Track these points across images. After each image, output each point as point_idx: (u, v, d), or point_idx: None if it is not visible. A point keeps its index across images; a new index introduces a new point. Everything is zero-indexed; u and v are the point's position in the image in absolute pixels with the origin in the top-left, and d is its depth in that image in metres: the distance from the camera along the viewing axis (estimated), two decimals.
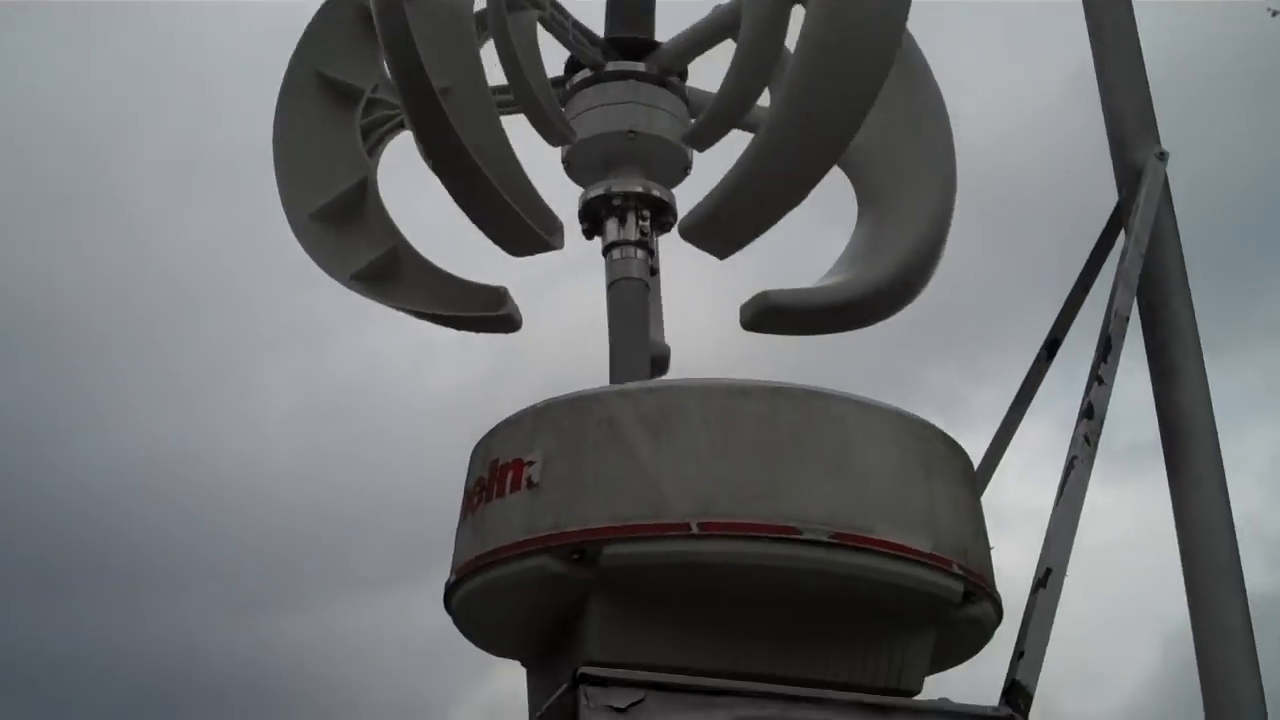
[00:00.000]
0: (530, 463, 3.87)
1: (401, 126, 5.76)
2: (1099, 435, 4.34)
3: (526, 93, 5.41)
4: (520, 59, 5.39)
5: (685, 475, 3.69)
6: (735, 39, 5.40)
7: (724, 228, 5.01)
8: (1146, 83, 5.37)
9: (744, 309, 5.38)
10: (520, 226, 5.22)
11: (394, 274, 5.57)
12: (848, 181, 5.77)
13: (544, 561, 3.72)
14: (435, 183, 5.22)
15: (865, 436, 3.83)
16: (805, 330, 5.59)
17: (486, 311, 5.41)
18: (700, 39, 5.69)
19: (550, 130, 5.55)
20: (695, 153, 5.59)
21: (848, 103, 4.71)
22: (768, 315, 5.31)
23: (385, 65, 5.59)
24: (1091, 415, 4.36)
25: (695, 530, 3.60)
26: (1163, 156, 5.15)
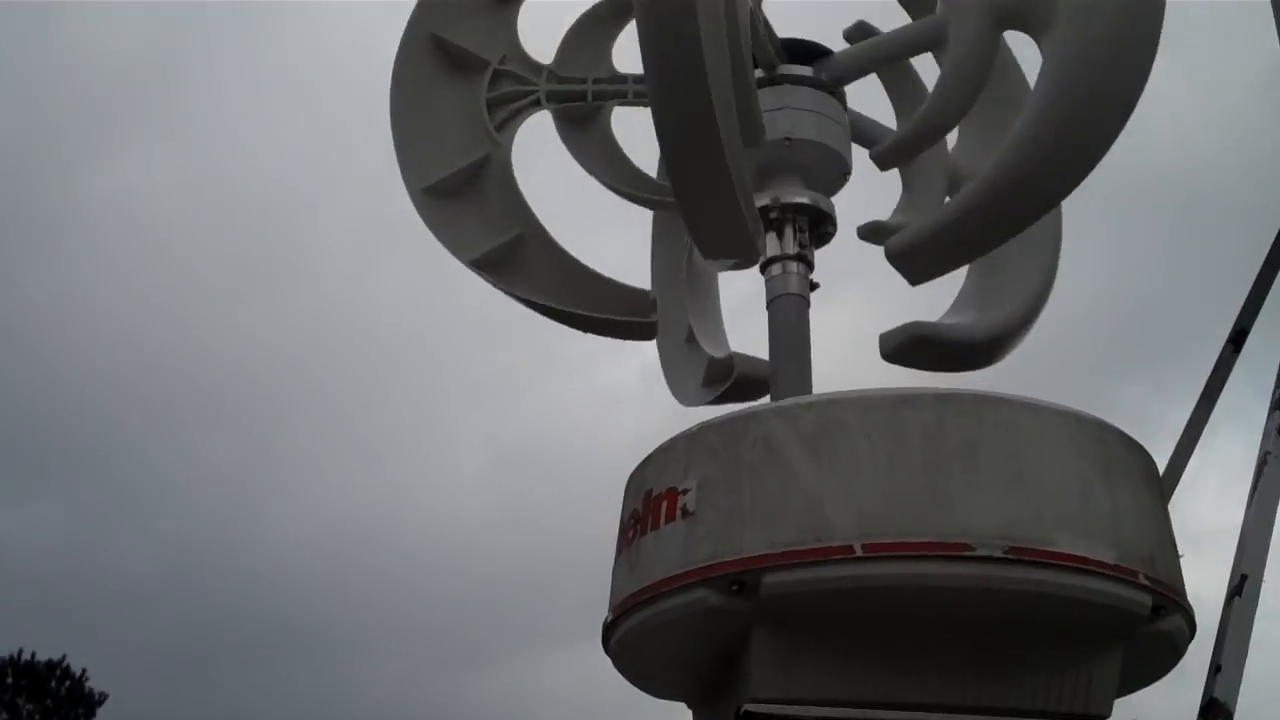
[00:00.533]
0: (685, 491, 3.70)
1: (538, 105, 5.61)
2: None
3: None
4: (601, 164, 5.53)
5: (848, 494, 3.49)
6: (931, 57, 5.33)
7: (934, 257, 4.85)
8: None
9: (886, 339, 5.31)
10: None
11: (521, 262, 5.46)
12: None
13: (703, 595, 3.54)
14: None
15: (1040, 442, 3.58)
16: (937, 366, 5.46)
17: (632, 316, 5.27)
18: (881, 54, 5.56)
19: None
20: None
21: (1080, 153, 4.48)
22: (913, 346, 5.31)
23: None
24: None
25: (859, 552, 3.40)
26: None
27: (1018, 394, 3.66)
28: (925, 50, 5.33)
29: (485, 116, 5.51)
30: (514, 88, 5.62)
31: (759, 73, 5.31)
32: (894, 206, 5.76)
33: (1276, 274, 4.83)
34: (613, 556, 4.01)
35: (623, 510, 4.00)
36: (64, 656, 31.21)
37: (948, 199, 5.67)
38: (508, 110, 5.59)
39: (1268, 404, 4.19)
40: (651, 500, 3.81)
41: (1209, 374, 4.91)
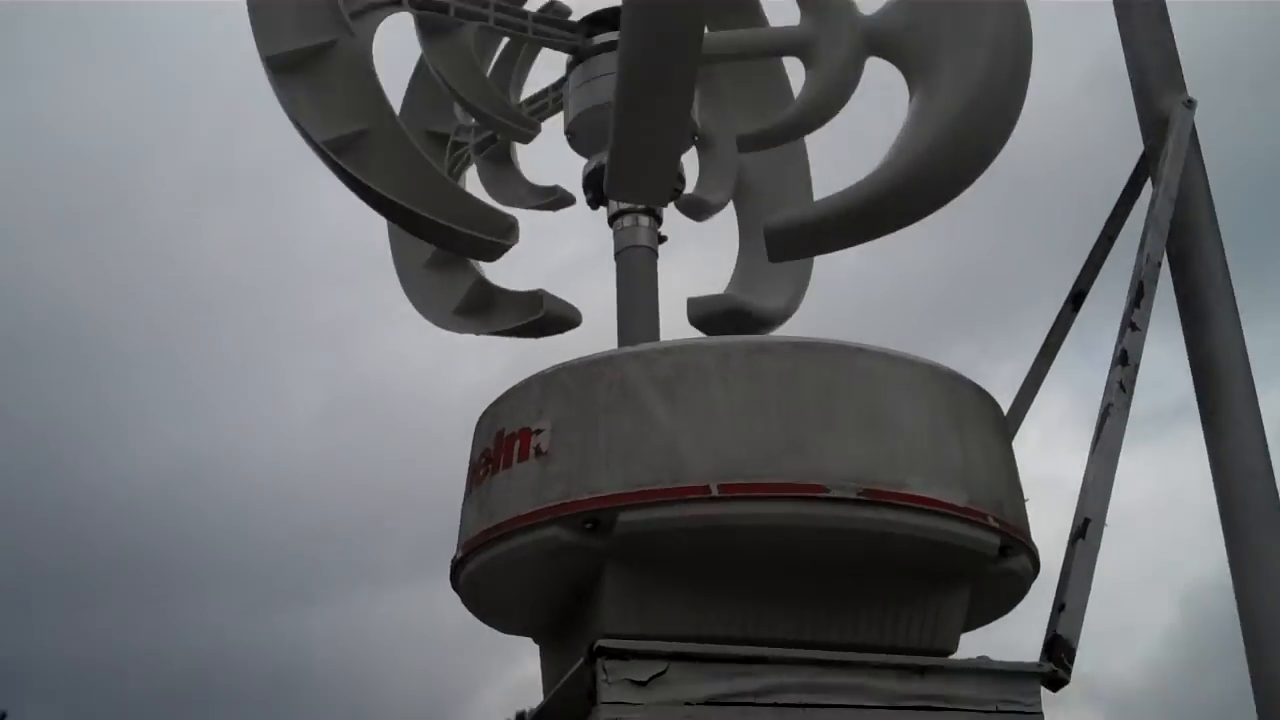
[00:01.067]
0: (539, 430, 3.68)
1: (398, 4, 5.49)
2: (1134, 381, 4.17)
3: (474, 109, 5.53)
4: (457, 79, 5.45)
5: (704, 436, 3.49)
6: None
7: (804, 244, 5.15)
8: (1171, 30, 5.22)
9: (697, 305, 5.73)
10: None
11: (371, 155, 5.23)
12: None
13: (555, 532, 3.53)
14: None
15: (895, 390, 3.63)
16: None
17: (482, 232, 5.23)
18: (744, 48, 5.72)
19: (511, 133, 5.72)
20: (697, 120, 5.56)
21: (958, 176, 4.96)
22: (725, 316, 5.69)
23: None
24: (1126, 361, 4.19)
25: (715, 492, 3.41)
26: (1190, 104, 4.99)
27: (874, 344, 3.70)
28: (789, 55, 5.51)
29: (338, 1, 5.34)
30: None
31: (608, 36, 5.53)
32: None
33: (1114, 240, 4.99)
34: (460, 497, 3.99)
35: (473, 449, 3.97)
36: None
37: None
38: (366, 1, 5.44)
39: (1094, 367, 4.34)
40: (504, 439, 3.78)
41: (1048, 331, 5.05)
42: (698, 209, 5.84)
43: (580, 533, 3.50)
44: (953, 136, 4.86)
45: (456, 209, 5.19)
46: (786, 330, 5.96)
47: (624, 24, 4.40)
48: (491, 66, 6.16)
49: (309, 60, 5.24)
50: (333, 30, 5.28)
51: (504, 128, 5.63)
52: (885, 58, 5.12)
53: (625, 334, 5.13)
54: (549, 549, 3.56)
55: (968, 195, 5.02)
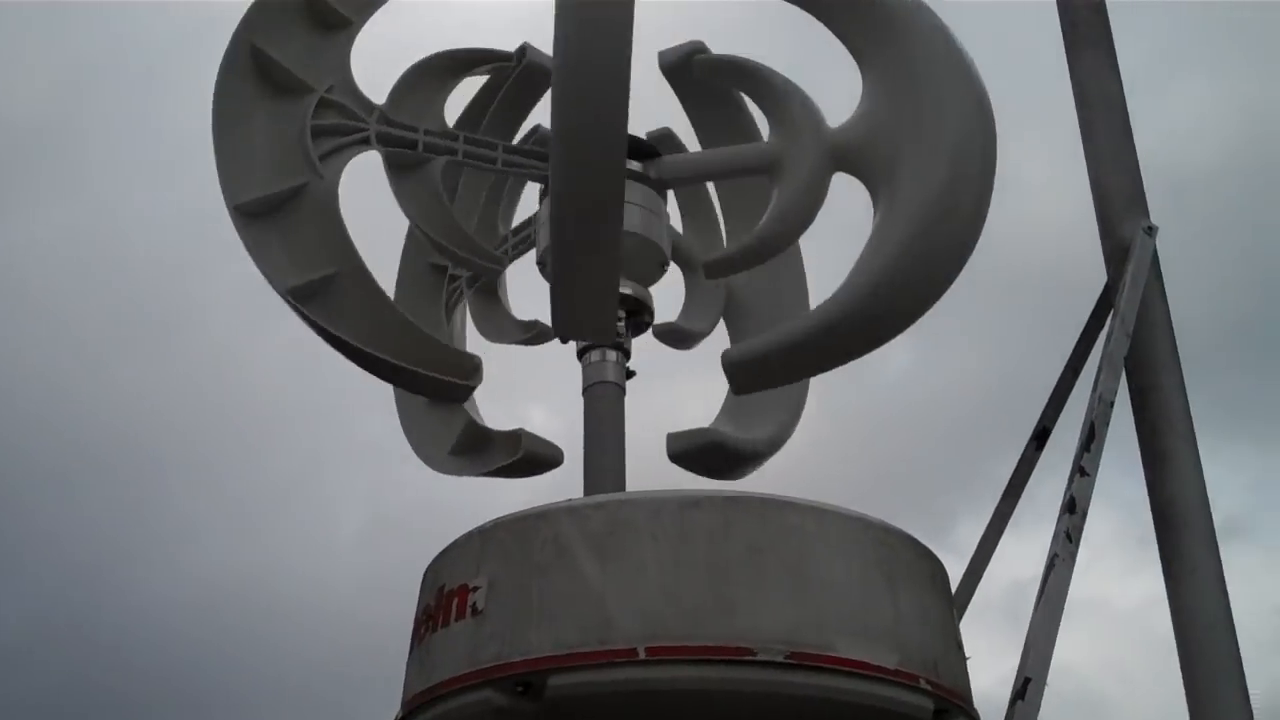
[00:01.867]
0: (475, 588, 3.68)
1: (367, 144, 5.43)
2: (1081, 531, 4.11)
3: (440, 246, 5.45)
4: (423, 216, 5.41)
5: (633, 596, 3.47)
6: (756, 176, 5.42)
7: (764, 375, 5.04)
8: (1135, 155, 5.20)
9: (676, 440, 5.58)
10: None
11: (336, 299, 5.22)
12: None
13: (488, 695, 3.51)
14: None
15: (824, 546, 3.60)
16: (712, 473, 5.54)
17: (447, 375, 5.23)
18: (713, 168, 5.70)
19: (478, 268, 5.68)
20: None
21: (920, 294, 4.82)
22: (703, 451, 5.52)
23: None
24: (1074, 509, 4.14)
25: (642, 655, 3.38)
26: (1151, 231, 4.94)
27: (804, 497, 3.68)
28: (757, 173, 5.38)
29: (308, 144, 5.29)
30: (343, 120, 5.44)
31: None
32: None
33: (1079, 374, 4.93)
34: None
35: (417, 604, 3.96)
36: None
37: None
38: (334, 143, 5.39)
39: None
40: (444, 596, 3.78)
41: (1012, 470, 5.00)
42: (680, 338, 5.81)
43: (513, 695, 3.49)
44: (910, 256, 4.71)
45: (420, 352, 5.18)
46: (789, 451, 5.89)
47: (551, 188, 4.46)
48: (484, 195, 6.18)
49: (279, 205, 5.23)
50: (303, 173, 5.25)
51: (470, 264, 5.62)
52: (850, 172, 5.02)
53: (590, 472, 5.09)
54: (483, 711, 3.54)
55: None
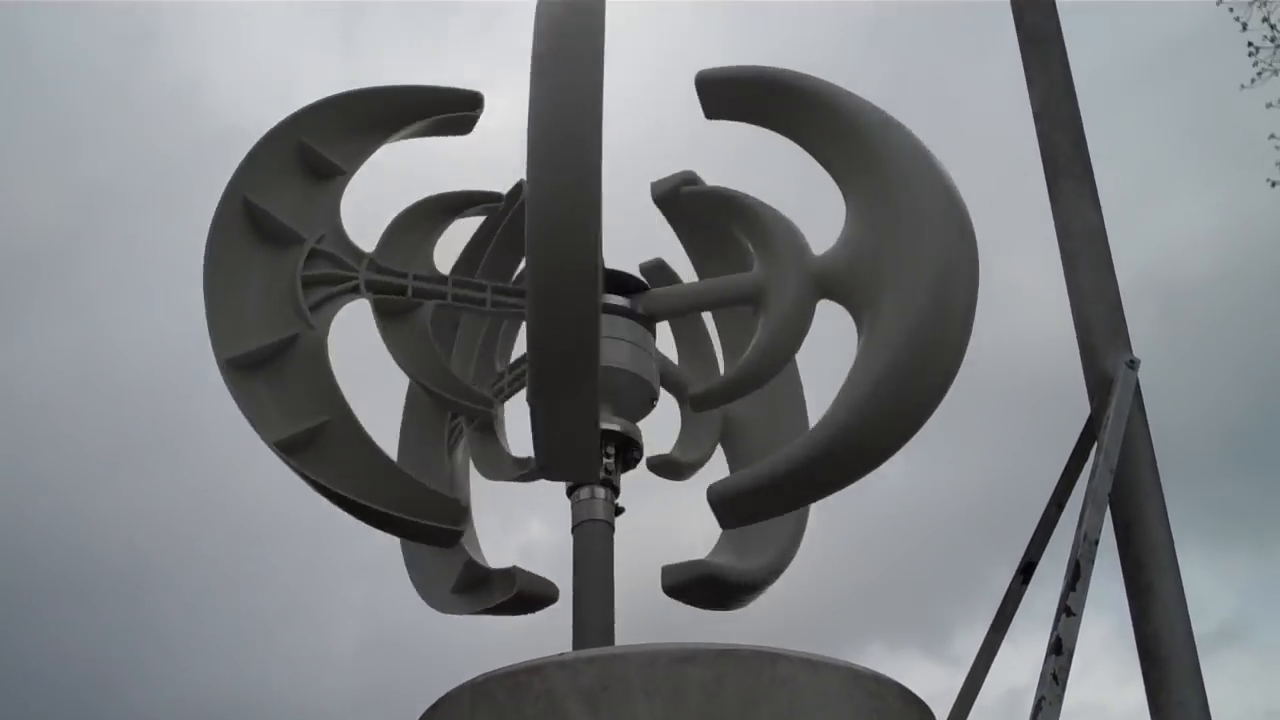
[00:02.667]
0: None
1: (357, 292, 5.53)
2: (1068, 672, 4.13)
3: (429, 390, 5.56)
4: (411, 361, 5.51)
5: None
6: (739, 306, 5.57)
7: (751, 509, 5.05)
8: (1117, 287, 5.24)
9: (671, 573, 5.58)
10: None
11: (325, 449, 5.26)
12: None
13: None
14: None
15: (816, 698, 3.63)
16: (708, 604, 5.59)
17: (436, 521, 5.26)
18: (699, 300, 5.76)
19: (468, 411, 5.75)
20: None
21: (908, 418, 4.87)
22: (698, 584, 5.55)
23: None
24: (1060, 650, 4.15)
25: None
26: (1134, 364, 4.98)
27: (796, 649, 3.71)
28: (742, 304, 5.49)
29: (299, 295, 5.36)
30: (333, 270, 5.51)
31: None
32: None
33: (1063, 508, 4.96)
34: None
35: None
36: None
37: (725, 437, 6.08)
38: (324, 292, 5.47)
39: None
40: None
41: (999, 604, 5.02)
42: (673, 470, 5.84)
43: None
44: (892, 384, 4.76)
45: (408, 498, 5.22)
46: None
47: (527, 332, 4.52)
48: (482, 334, 6.24)
49: (270, 358, 5.29)
50: (294, 325, 5.33)
51: (460, 408, 5.68)
52: (834, 299, 5.09)
53: (579, 610, 5.13)
54: None
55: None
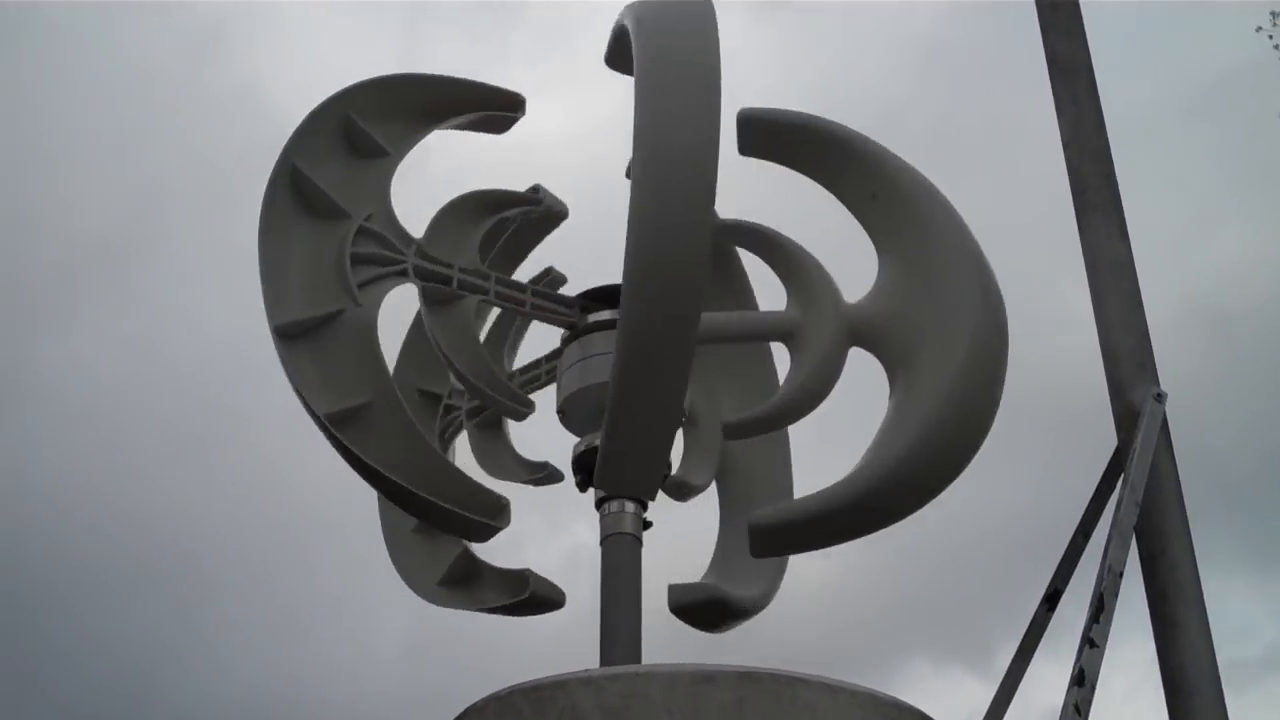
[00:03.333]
0: None
1: (405, 276, 5.54)
2: (1090, 704, 4.14)
3: (469, 383, 5.53)
4: (454, 351, 5.49)
5: None
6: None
7: (788, 542, 5.17)
8: (1144, 320, 5.27)
9: (679, 593, 5.58)
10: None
11: (367, 428, 5.28)
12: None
13: None
14: None
15: None
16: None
17: (474, 513, 5.27)
18: (730, 332, 5.74)
19: (505, 410, 5.71)
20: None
21: (945, 468, 4.93)
22: (704, 606, 5.55)
23: None
24: (1083, 683, 4.17)
25: None
26: (1160, 398, 4.98)
27: (816, 674, 3.74)
28: (773, 340, 5.56)
29: (347, 270, 5.38)
30: (381, 251, 5.54)
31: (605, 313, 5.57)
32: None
33: (1089, 537, 4.98)
34: None
35: None
36: None
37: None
38: (373, 271, 5.49)
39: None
40: None
41: (1024, 633, 5.04)
42: (681, 491, 5.85)
43: None
44: (936, 433, 4.84)
45: (449, 487, 5.24)
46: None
47: (620, 331, 4.56)
48: (486, 330, 6.28)
49: (315, 329, 5.31)
50: (340, 300, 5.36)
51: (498, 404, 5.67)
52: (867, 348, 5.13)
53: (606, 624, 5.15)
54: None
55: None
